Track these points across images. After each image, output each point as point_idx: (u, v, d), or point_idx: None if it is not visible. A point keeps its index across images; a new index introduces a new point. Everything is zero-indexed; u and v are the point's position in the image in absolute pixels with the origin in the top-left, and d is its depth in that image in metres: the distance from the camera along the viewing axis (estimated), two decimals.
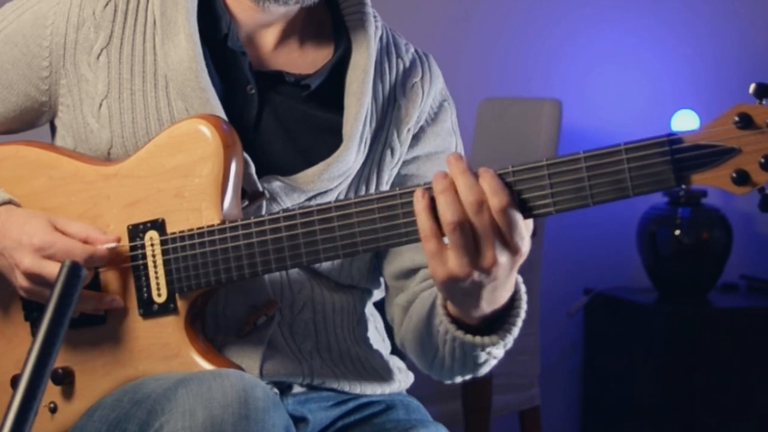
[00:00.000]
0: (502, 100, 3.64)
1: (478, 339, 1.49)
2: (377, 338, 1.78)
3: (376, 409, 1.70)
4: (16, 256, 1.55)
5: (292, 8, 1.64)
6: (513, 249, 1.38)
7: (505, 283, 1.43)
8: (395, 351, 1.83)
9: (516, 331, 1.49)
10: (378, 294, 1.79)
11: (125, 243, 1.59)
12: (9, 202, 1.62)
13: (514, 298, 1.48)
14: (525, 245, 1.39)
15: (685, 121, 3.71)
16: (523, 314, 1.49)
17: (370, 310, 1.78)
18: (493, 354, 1.53)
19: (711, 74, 3.91)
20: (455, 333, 1.49)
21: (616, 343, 3.78)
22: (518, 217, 1.37)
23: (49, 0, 1.67)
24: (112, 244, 1.56)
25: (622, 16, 3.89)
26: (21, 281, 1.56)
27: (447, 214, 1.37)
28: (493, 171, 1.38)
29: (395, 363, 1.79)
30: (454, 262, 1.38)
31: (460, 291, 1.42)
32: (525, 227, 1.39)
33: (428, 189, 1.41)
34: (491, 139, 3.55)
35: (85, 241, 1.56)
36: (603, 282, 3.84)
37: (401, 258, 1.69)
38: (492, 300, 1.45)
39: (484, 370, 1.58)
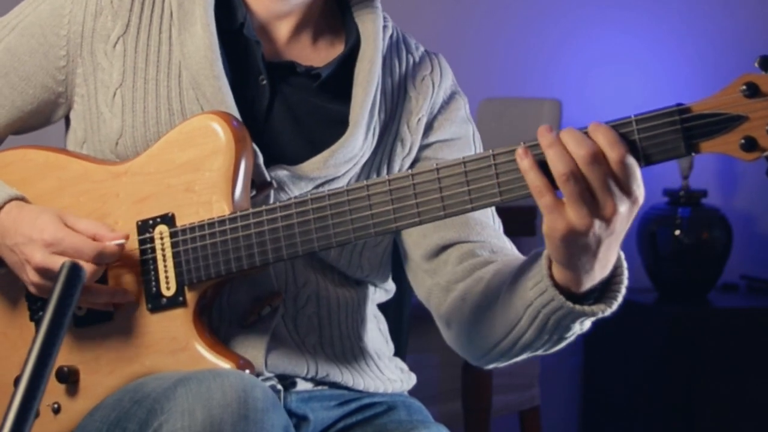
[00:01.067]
0: (502, 100, 3.64)
1: (587, 308, 1.45)
2: (381, 339, 1.77)
3: (378, 409, 1.70)
4: (26, 251, 1.56)
5: None
6: (632, 197, 1.37)
7: (618, 239, 1.41)
8: (398, 353, 1.83)
9: (620, 298, 1.47)
10: (384, 296, 1.78)
11: (134, 238, 1.59)
12: (20, 199, 1.62)
13: (615, 265, 1.46)
14: (642, 192, 1.38)
15: None
16: (626, 281, 1.47)
17: (374, 311, 1.77)
18: (584, 326, 1.50)
19: (711, 74, 3.92)
20: (564, 302, 1.45)
21: (616, 343, 3.78)
22: (636, 165, 1.36)
23: None
24: (121, 241, 1.56)
25: (622, 16, 3.89)
26: (32, 276, 1.56)
27: (559, 166, 1.36)
28: (605, 124, 1.37)
29: (398, 364, 1.79)
30: (573, 214, 1.36)
31: (579, 248, 1.39)
32: (641, 181, 1.38)
33: (530, 147, 1.39)
34: (491, 139, 3.53)
35: (94, 238, 1.56)
36: None
37: (429, 239, 1.67)
38: (605, 262, 1.42)
39: (561, 346, 1.55)
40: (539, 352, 1.56)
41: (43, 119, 1.73)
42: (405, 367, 1.80)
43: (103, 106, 1.66)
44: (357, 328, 1.72)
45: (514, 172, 1.41)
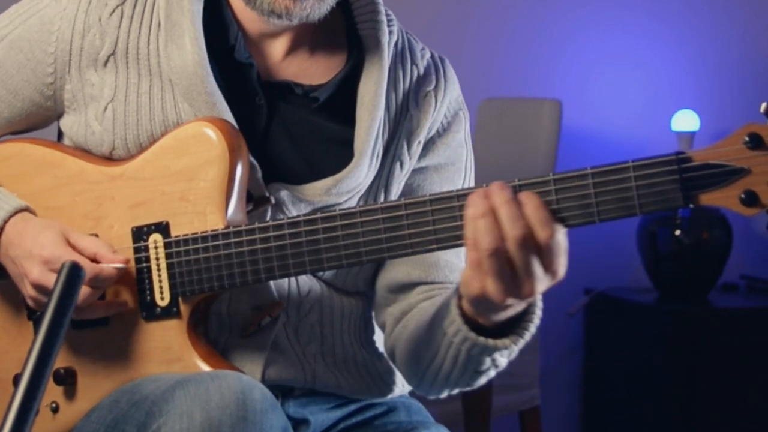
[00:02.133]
0: (502, 100, 3.64)
1: (491, 341, 1.45)
2: (382, 341, 1.77)
3: (377, 411, 1.70)
4: (26, 265, 1.56)
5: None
6: (554, 275, 1.35)
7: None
8: None
9: (528, 336, 1.46)
10: None
11: (129, 245, 1.59)
12: (25, 209, 1.61)
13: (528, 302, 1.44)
14: (564, 266, 1.36)
15: (685, 121, 3.71)
16: (537, 321, 1.46)
17: None
18: (497, 362, 1.50)
19: (711, 74, 3.91)
20: (468, 334, 1.45)
21: (616, 343, 3.78)
22: (563, 244, 1.34)
23: (56, 5, 1.65)
24: (119, 265, 1.56)
25: (622, 16, 3.89)
26: (29, 290, 1.56)
27: (485, 240, 1.32)
28: (539, 198, 1.33)
29: None
30: (490, 285, 1.35)
31: (488, 307, 1.39)
32: (566, 259, 1.35)
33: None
34: (491, 139, 3.55)
35: (94, 258, 1.55)
36: (603, 282, 3.84)
37: (395, 270, 1.65)
38: (517, 308, 1.42)
39: (480, 382, 1.54)
40: (463, 386, 1.55)
41: (34, 127, 1.72)
42: None
43: (92, 120, 1.64)
44: (359, 334, 1.71)
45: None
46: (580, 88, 3.85)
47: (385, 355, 1.70)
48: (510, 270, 1.34)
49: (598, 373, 3.87)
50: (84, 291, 1.52)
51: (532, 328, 1.46)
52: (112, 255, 1.56)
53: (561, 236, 1.34)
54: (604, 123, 3.85)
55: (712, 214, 3.67)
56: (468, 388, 1.57)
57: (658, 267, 3.69)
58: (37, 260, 1.54)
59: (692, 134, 3.68)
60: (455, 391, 1.58)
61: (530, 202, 1.33)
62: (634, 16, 3.89)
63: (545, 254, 1.33)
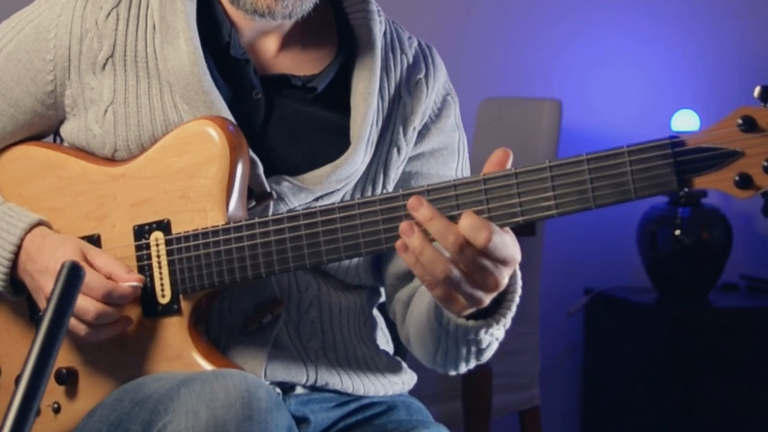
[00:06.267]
0: (502, 100, 3.64)
1: (481, 322, 1.49)
2: (382, 339, 1.78)
3: (377, 410, 1.70)
4: (41, 280, 1.56)
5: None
6: (511, 265, 1.41)
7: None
8: (398, 352, 1.83)
9: (514, 306, 1.50)
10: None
11: (131, 243, 1.59)
12: (41, 223, 1.62)
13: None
14: (518, 254, 1.41)
15: (685, 121, 3.71)
16: (519, 289, 1.50)
17: (376, 311, 1.77)
18: (496, 335, 1.53)
19: (711, 74, 3.92)
20: (458, 321, 1.49)
21: (616, 343, 3.78)
22: (507, 239, 1.38)
23: (50, 12, 1.65)
24: (135, 283, 1.56)
25: (622, 16, 3.89)
26: (43, 305, 1.57)
27: (437, 269, 1.38)
28: (465, 211, 1.38)
29: (399, 363, 1.78)
30: (460, 299, 1.42)
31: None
32: (514, 241, 1.40)
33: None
34: (491, 139, 3.55)
35: (108, 277, 1.55)
36: (603, 282, 3.84)
37: (401, 259, 1.68)
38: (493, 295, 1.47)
39: (488, 355, 1.58)
40: (474, 362, 1.60)
41: (35, 137, 1.72)
42: (406, 366, 1.80)
43: (93, 123, 1.64)
44: (359, 330, 1.72)
45: (505, 198, 1.39)
46: (580, 88, 3.85)
47: (402, 342, 1.73)
48: (468, 279, 1.39)
49: (598, 373, 3.87)
50: (98, 307, 1.53)
51: (517, 297, 1.50)
52: (128, 275, 1.56)
53: (500, 236, 1.37)
54: (604, 123, 3.85)
55: (712, 214, 3.67)
56: (479, 363, 1.61)
57: (658, 267, 3.70)
58: (52, 275, 1.54)
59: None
60: (471, 365, 1.61)
61: (464, 217, 1.37)
62: (634, 16, 3.89)
63: (491, 254, 1.38)
